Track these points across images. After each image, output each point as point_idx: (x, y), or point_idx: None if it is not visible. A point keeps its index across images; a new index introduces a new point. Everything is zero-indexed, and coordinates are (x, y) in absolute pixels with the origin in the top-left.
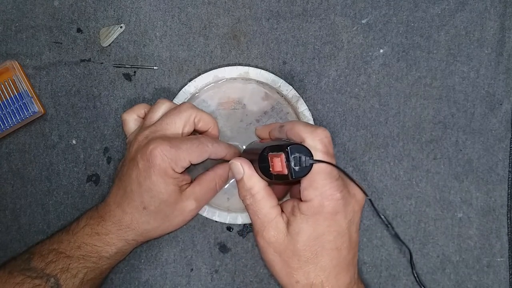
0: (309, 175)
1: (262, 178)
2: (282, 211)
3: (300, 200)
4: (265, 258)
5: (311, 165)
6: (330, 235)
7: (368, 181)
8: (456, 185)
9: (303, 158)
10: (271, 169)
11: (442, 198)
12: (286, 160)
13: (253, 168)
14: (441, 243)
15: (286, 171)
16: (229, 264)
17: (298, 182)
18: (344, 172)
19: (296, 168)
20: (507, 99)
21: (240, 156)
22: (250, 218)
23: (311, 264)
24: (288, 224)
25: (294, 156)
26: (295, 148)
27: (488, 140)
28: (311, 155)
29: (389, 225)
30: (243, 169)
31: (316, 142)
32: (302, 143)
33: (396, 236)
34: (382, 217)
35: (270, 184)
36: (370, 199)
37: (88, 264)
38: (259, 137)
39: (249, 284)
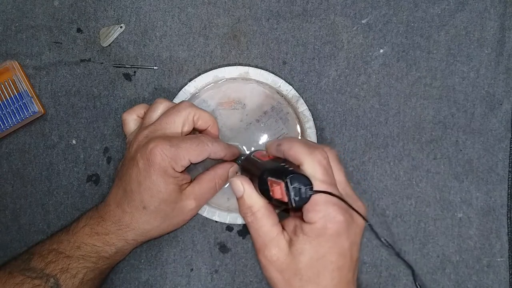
0: (312, 198)
1: (262, 196)
2: (284, 229)
3: (302, 219)
4: (267, 276)
5: (311, 195)
6: (332, 256)
7: (368, 181)
8: (456, 185)
9: (302, 189)
10: (271, 193)
11: (442, 198)
12: (286, 189)
13: (253, 186)
14: (441, 243)
15: (286, 199)
16: (229, 264)
17: (300, 209)
18: (343, 200)
19: (296, 198)
20: (507, 99)
21: (239, 159)
22: (251, 236)
23: (313, 283)
24: (290, 243)
25: (294, 187)
26: (294, 179)
27: (488, 140)
28: (310, 185)
29: (389, 246)
30: (243, 187)
31: (315, 167)
32: (300, 167)
33: (398, 256)
34: (383, 239)
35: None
36: (370, 224)
37: (87, 264)
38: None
39: (249, 284)
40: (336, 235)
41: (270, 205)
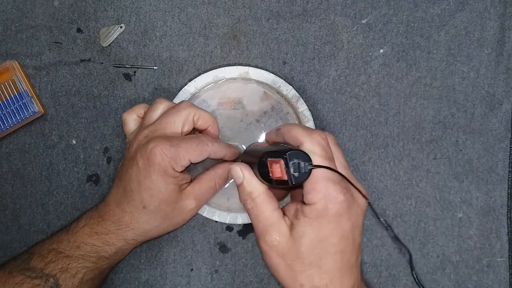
0: (311, 178)
1: (262, 182)
2: (285, 214)
3: (303, 203)
4: (268, 262)
5: (310, 170)
6: (334, 238)
7: (368, 181)
8: (456, 185)
9: (301, 164)
10: (270, 174)
11: (442, 198)
12: (285, 166)
13: (253, 173)
14: (441, 243)
15: (285, 177)
16: (229, 264)
17: (299, 187)
18: (342, 175)
19: (296, 174)
20: (507, 99)
21: (240, 157)
22: (252, 222)
23: (315, 267)
24: (291, 227)
25: (293, 162)
26: (293, 154)
27: (488, 140)
28: (309, 161)
29: (388, 228)
30: (243, 173)
31: (314, 145)
32: (300, 147)
33: (395, 238)
34: (382, 220)
35: (270, 187)
36: (369, 202)
37: (87, 264)
38: (267, 142)
39: (249, 284)
40: (338, 216)
41: (270, 191)
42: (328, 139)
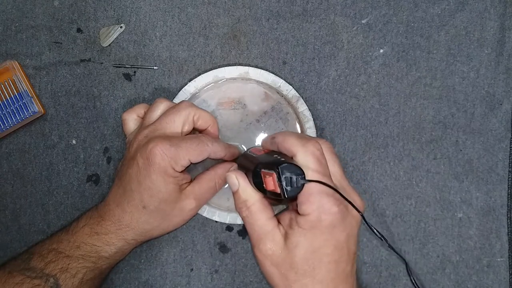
0: (305, 190)
1: (257, 190)
2: (279, 223)
3: (297, 212)
4: (263, 270)
5: (303, 185)
6: (328, 249)
7: (368, 181)
8: (456, 185)
9: (294, 178)
10: (264, 186)
11: (442, 198)
12: (278, 180)
13: (248, 181)
14: (441, 243)
15: (278, 190)
16: (229, 264)
17: (293, 199)
18: (335, 189)
19: (288, 188)
20: (507, 99)
21: (237, 160)
22: (247, 230)
23: (309, 277)
24: (285, 236)
25: (286, 177)
26: (286, 168)
27: (488, 140)
28: (302, 174)
29: (382, 238)
30: (238, 181)
31: (308, 157)
32: (294, 159)
33: (391, 248)
34: (375, 231)
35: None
36: (362, 215)
37: (87, 264)
38: (263, 149)
39: (249, 284)
40: (331, 227)
41: (265, 199)
42: (323, 147)
